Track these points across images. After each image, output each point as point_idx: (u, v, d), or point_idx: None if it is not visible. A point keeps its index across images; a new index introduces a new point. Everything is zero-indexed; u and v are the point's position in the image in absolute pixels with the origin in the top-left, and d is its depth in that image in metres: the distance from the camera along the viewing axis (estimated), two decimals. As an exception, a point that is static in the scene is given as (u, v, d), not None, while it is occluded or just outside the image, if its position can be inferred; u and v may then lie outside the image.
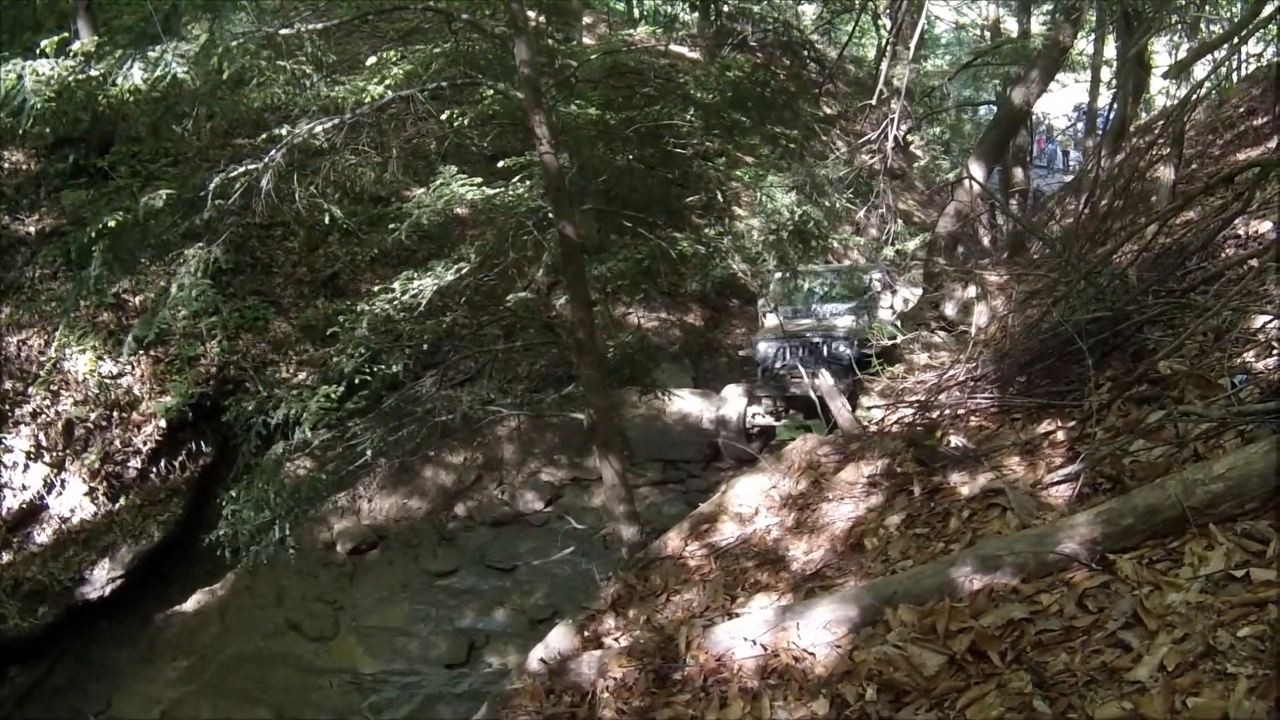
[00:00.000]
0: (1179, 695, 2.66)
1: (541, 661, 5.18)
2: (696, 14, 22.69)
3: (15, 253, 11.52)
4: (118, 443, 10.68)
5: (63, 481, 10.19)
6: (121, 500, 10.51)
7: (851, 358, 10.73)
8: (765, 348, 12.10)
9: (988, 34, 25.78)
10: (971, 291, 10.37)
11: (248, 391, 10.24)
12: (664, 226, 8.85)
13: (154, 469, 10.93)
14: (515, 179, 7.86)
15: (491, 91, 7.54)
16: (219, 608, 10.29)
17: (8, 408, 10.16)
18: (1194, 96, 8.35)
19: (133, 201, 6.18)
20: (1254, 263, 5.14)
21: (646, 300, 14.51)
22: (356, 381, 7.94)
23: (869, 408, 8.35)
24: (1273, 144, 8.86)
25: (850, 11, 20.37)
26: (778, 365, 11.81)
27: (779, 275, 12.13)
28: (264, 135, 6.72)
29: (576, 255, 7.01)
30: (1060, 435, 4.89)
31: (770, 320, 12.64)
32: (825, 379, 8.23)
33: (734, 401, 12.02)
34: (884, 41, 16.42)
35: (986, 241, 20.36)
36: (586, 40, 16.95)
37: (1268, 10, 8.49)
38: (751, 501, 6.20)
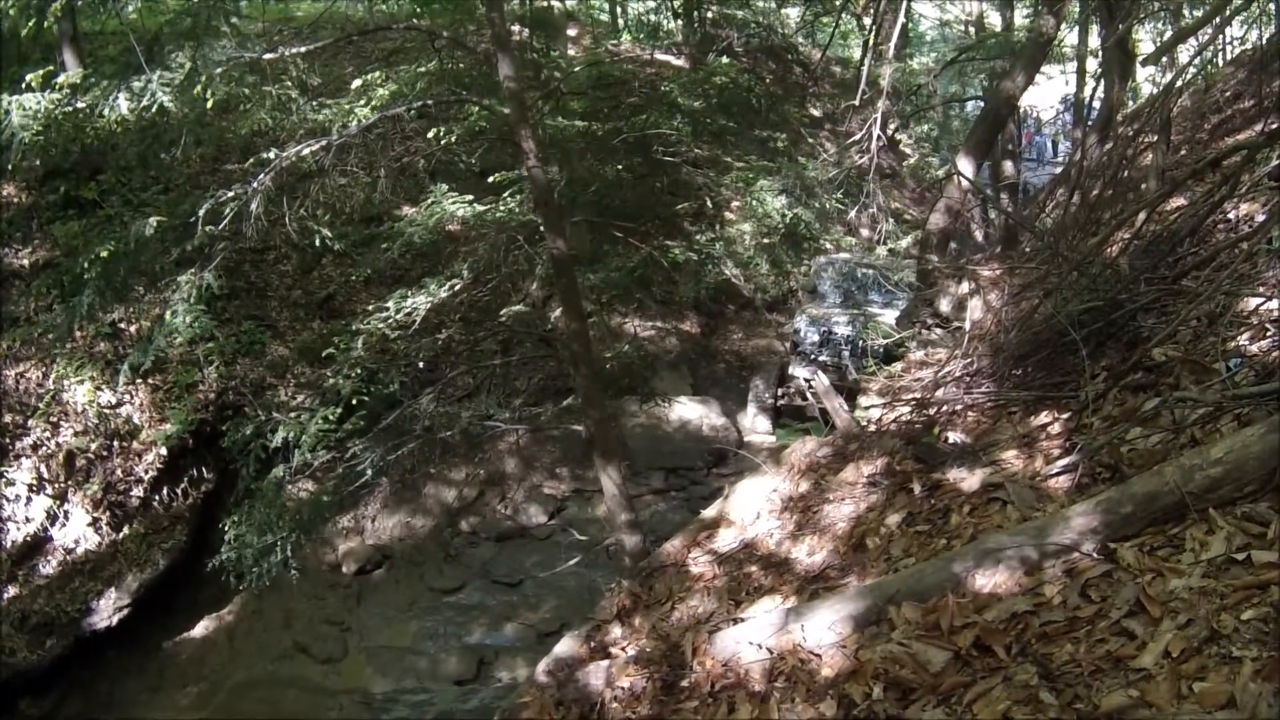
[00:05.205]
0: (1185, 681, 2.67)
1: (549, 673, 5.18)
2: (680, 22, 22.87)
3: (10, 286, 11.51)
4: (119, 472, 10.65)
5: (66, 513, 10.16)
6: (125, 529, 10.48)
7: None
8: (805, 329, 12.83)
9: (972, 29, 25.81)
10: (965, 287, 10.38)
11: (246, 416, 10.24)
12: (656, 235, 8.88)
13: (156, 497, 10.91)
14: (506, 194, 7.88)
15: (477, 108, 7.56)
16: (227, 633, 10.27)
17: (8, 441, 10.13)
18: (1178, 82, 8.37)
19: (124, 230, 6.18)
20: (1244, 246, 5.14)
21: (642, 309, 14.53)
22: (355, 402, 7.94)
23: (867, 407, 8.36)
24: (1259, 127, 8.86)
25: (832, 13, 20.46)
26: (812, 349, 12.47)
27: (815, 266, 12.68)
28: (252, 160, 6.72)
29: (568, 268, 7.02)
30: (1057, 427, 4.89)
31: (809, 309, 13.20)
32: (821, 380, 8.27)
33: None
34: (866, 41, 16.47)
35: (979, 236, 20.41)
36: (571, 52, 16.96)
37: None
38: (753, 506, 6.21)
